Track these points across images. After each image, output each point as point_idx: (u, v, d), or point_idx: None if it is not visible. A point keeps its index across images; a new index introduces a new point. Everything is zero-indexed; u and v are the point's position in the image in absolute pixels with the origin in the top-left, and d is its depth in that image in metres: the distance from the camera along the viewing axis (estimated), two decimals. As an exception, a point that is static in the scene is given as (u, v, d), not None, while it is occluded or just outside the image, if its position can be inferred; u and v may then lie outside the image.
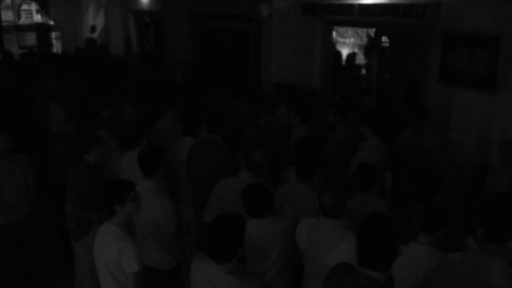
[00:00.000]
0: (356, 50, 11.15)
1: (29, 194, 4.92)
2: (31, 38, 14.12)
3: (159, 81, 8.27)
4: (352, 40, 11.72)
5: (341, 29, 11.26)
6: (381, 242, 2.25)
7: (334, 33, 8.12)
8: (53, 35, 14.41)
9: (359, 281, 2.30)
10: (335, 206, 3.08)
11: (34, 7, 14.29)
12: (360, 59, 11.49)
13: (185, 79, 8.69)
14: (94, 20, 14.39)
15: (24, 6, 14.19)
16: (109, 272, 3.17)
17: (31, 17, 14.29)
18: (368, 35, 10.94)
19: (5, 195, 4.72)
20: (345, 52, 10.93)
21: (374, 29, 7.32)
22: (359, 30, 11.35)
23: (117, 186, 3.32)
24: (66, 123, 5.53)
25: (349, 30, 11.55)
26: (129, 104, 6.38)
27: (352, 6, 6.42)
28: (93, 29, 13.87)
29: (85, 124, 5.67)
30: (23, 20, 14.17)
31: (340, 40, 11.52)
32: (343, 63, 9.72)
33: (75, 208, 4.36)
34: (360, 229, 2.33)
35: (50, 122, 6.76)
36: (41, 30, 14.08)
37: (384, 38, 7.02)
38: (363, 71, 9.94)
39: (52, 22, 14.41)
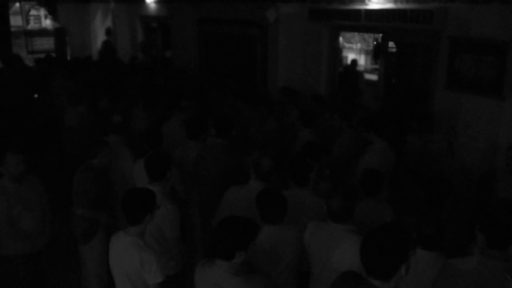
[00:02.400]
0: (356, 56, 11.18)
1: (47, 217, 4.43)
2: (39, 43, 14.20)
3: (166, 86, 8.29)
4: (358, 45, 11.74)
5: (348, 35, 11.29)
6: (383, 252, 2.19)
7: (340, 39, 8.12)
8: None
9: None
10: (343, 211, 3.06)
11: (42, 12, 14.39)
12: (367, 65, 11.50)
13: (190, 83, 8.71)
14: (102, 25, 14.48)
15: (33, 12, 14.29)
16: (131, 282, 3.12)
17: (40, 22, 14.39)
18: (375, 41, 10.95)
19: (26, 223, 4.18)
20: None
21: (380, 35, 7.31)
22: (366, 35, 11.37)
23: (148, 194, 3.18)
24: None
25: (356, 36, 11.58)
26: (139, 108, 6.40)
27: (359, 11, 6.42)
28: (108, 31, 13.92)
29: (96, 128, 5.68)
30: (32, 25, 14.26)
31: (347, 45, 11.55)
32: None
33: (86, 210, 4.35)
34: (365, 238, 2.28)
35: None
36: (59, 34, 14.15)
37: (391, 44, 7.01)
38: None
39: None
